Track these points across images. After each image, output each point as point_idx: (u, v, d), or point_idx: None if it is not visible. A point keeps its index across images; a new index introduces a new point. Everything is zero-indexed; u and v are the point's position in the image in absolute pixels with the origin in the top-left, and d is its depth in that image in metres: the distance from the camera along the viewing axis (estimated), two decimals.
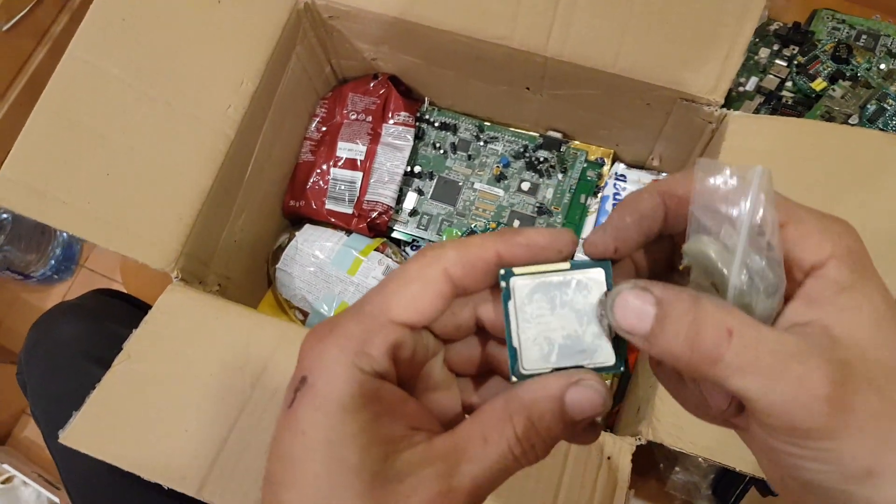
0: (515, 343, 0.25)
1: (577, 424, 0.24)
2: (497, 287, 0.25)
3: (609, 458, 0.52)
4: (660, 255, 0.27)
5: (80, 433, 0.52)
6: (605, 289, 0.24)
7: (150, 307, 0.56)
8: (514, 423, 0.23)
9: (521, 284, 0.24)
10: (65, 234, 1.19)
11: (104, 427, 0.52)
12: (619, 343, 0.25)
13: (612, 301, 0.23)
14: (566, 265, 0.25)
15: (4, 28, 1.05)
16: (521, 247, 0.24)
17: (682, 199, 0.23)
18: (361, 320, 0.24)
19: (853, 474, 0.20)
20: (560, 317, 0.25)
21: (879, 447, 0.20)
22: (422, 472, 0.22)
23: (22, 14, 1.07)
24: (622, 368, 0.25)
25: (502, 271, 0.24)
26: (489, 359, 0.28)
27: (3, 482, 1.05)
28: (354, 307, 0.25)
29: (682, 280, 0.25)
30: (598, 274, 0.24)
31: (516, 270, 0.24)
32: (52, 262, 1.20)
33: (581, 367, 0.25)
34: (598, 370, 0.25)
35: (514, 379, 0.25)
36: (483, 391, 0.28)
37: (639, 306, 0.22)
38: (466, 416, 0.27)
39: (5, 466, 1.05)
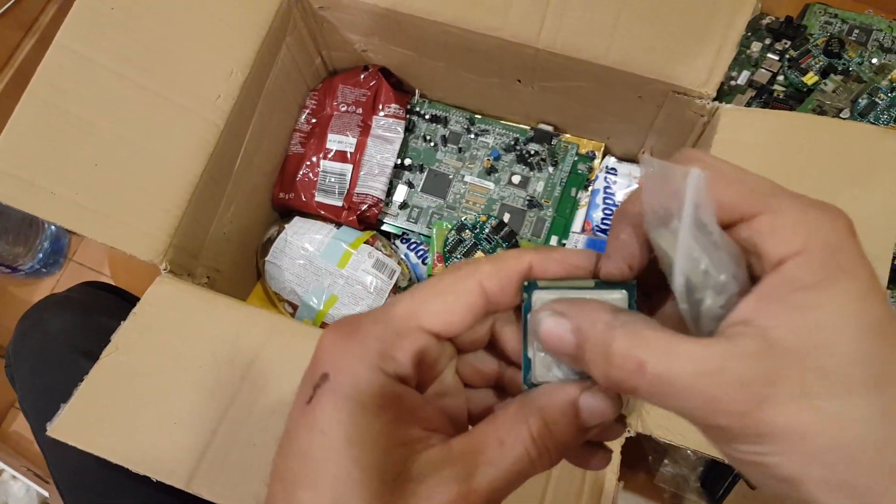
0: (531, 354, 0.25)
1: (589, 431, 0.24)
2: (519, 306, 0.25)
3: None
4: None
5: (68, 426, 0.52)
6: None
7: (138, 300, 0.56)
8: (529, 426, 0.23)
9: (543, 298, 0.25)
10: (53, 227, 1.18)
11: (92, 420, 0.52)
12: None
13: (535, 325, 0.24)
14: (591, 283, 0.25)
15: None
16: (554, 262, 0.25)
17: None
18: (390, 323, 0.24)
19: (782, 479, 0.20)
20: None
21: (802, 458, 0.19)
22: (440, 473, 0.23)
23: (9, 5, 1.06)
24: None
25: (526, 283, 0.25)
26: (498, 375, 0.28)
27: None
28: (382, 309, 0.25)
29: None
30: (621, 296, 0.24)
31: (540, 283, 0.25)
32: (40, 255, 1.19)
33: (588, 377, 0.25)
34: None
35: (525, 387, 0.25)
36: (488, 402, 0.29)
37: (558, 332, 0.23)
38: (470, 426, 0.28)
39: None
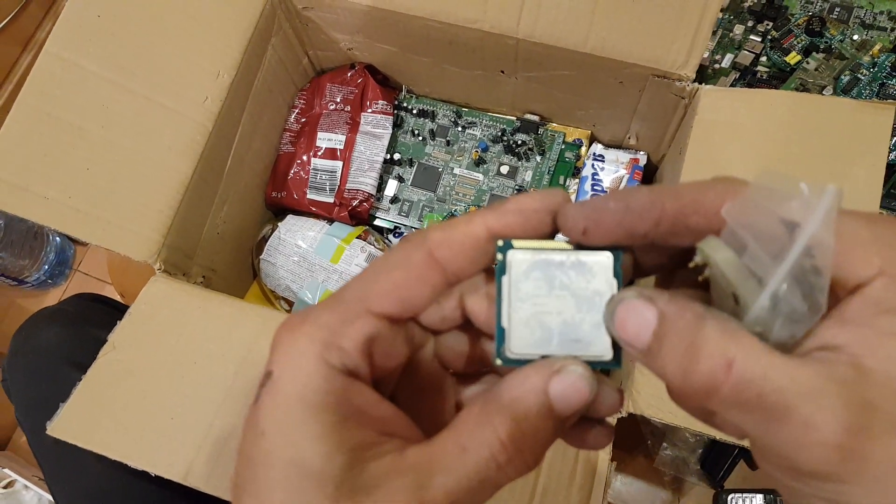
0: (505, 323, 0.22)
1: (567, 420, 0.22)
2: (490, 272, 0.23)
3: None
4: (664, 259, 0.24)
5: (67, 425, 0.53)
6: (611, 275, 0.22)
7: None
8: (495, 427, 0.21)
9: (520, 259, 0.22)
10: (58, 239, 1.20)
11: (91, 417, 0.53)
12: None
13: (613, 307, 0.21)
14: (570, 246, 0.22)
15: None
16: (511, 214, 0.22)
17: (685, 205, 0.21)
18: (336, 310, 0.22)
19: None
20: (558, 300, 0.22)
21: (886, 493, 0.17)
22: (390, 484, 0.20)
23: (6, 21, 1.08)
24: (619, 364, 0.22)
25: (500, 242, 0.22)
26: (482, 354, 0.25)
27: (5, 487, 1.06)
28: (333, 296, 0.22)
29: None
30: (606, 258, 0.22)
31: (516, 244, 0.22)
32: (46, 266, 1.20)
33: (574, 357, 0.22)
34: (593, 364, 0.22)
35: (498, 362, 0.22)
36: (476, 390, 0.26)
37: (640, 318, 0.20)
38: None
39: (6, 471, 1.05)
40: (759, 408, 0.18)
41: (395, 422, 0.23)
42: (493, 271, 0.23)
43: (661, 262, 0.23)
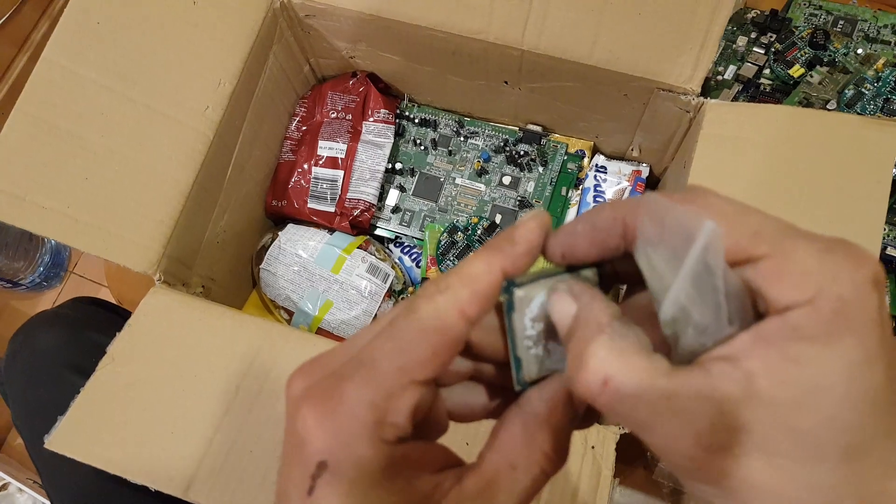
0: (520, 354, 0.24)
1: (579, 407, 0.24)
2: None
3: (593, 447, 0.52)
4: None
5: (65, 438, 0.52)
6: (597, 290, 0.24)
7: (129, 314, 0.56)
8: (540, 444, 0.23)
9: (523, 296, 0.24)
10: (53, 241, 1.19)
11: (89, 431, 0.52)
12: None
13: (551, 293, 0.24)
14: (562, 268, 0.25)
15: None
16: (522, 257, 0.23)
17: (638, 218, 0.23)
18: (378, 384, 0.21)
19: None
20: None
21: None
22: None
23: (2, 21, 1.07)
24: None
25: (505, 283, 0.24)
26: (478, 371, 0.27)
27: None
28: (364, 365, 0.22)
29: None
30: (592, 274, 0.25)
31: (517, 280, 0.24)
32: (41, 268, 1.19)
33: None
34: None
35: (518, 388, 0.25)
36: (459, 391, 0.27)
37: (563, 309, 0.23)
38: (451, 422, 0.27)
39: (0, 474, 1.04)
40: (629, 420, 0.20)
41: (436, 454, 0.24)
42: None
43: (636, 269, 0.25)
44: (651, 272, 0.21)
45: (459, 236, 0.72)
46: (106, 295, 1.15)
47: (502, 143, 0.75)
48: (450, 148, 0.76)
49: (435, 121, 0.76)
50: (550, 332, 0.24)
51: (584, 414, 0.25)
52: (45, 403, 0.61)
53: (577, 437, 0.52)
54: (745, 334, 0.19)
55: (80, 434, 0.52)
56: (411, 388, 0.22)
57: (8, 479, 1.04)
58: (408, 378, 0.21)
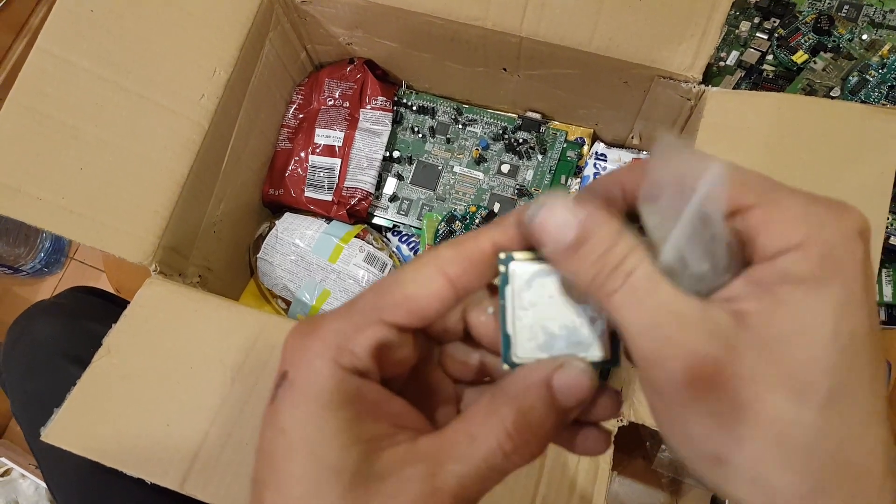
0: (510, 330, 0.24)
1: (569, 412, 0.23)
2: (492, 288, 0.25)
3: None
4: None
5: (61, 430, 0.52)
6: None
7: (127, 303, 0.56)
8: (503, 417, 0.22)
9: (521, 270, 0.24)
10: None
11: (86, 423, 0.52)
12: (616, 338, 0.24)
13: (538, 208, 0.22)
14: None
15: None
16: (513, 227, 0.23)
17: (637, 184, 0.23)
18: (349, 317, 0.23)
19: (702, 455, 0.20)
20: (558, 306, 0.24)
21: (727, 439, 0.20)
22: (404, 472, 0.22)
23: None
24: (618, 363, 0.24)
25: (502, 255, 0.24)
26: (483, 366, 0.27)
27: (2, 475, 1.06)
28: (346, 305, 0.24)
29: None
30: None
31: (517, 255, 0.24)
32: (42, 254, 1.20)
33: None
34: (594, 364, 0.24)
35: (505, 367, 0.24)
36: (474, 395, 0.28)
37: (561, 222, 0.22)
38: None
39: (3, 460, 1.05)
40: (637, 314, 0.20)
41: (407, 416, 0.24)
42: (495, 286, 0.24)
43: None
44: (652, 222, 0.22)
45: (457, 225, 0.71)
46: (105, 281, 1.15)
47: (501, 131, 0.74)
48: (448, 136, 0.75)
49: (433, 108, 0.76)
50: (550, 314, 0.24)
51: (571, 420, 0.24)
52: (42, 394, 0.61)
53: None
54: (737, 280, 0.21)
55: (76, 427, 0.52)
56: (378, 325, 0.23)
57: (10, 464, 1.05)
58: (376, 315, 0.23)
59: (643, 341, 0.20)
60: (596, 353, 0.24)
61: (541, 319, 0.24)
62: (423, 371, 0.27)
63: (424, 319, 0.23)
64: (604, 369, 0.24)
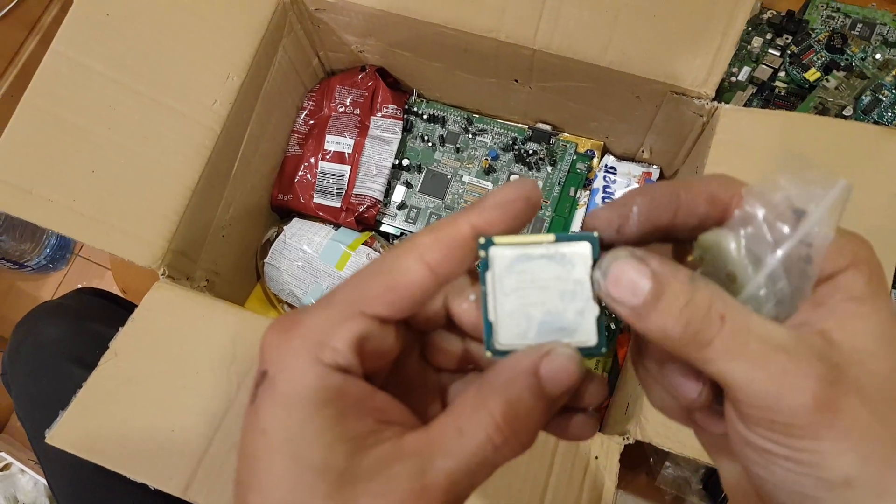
0: (492, 316, 0.23)
1: (558, 400, 0.23)
2: (475, 274, 0.24)
3: (597, 457, 0.52)
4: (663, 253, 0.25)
5: (66, 433, 0.52)
6: (590, 264, 0.23)
7: (134, 306, 0.56)
8: (491, 409, 0.22)
9: (502, 255, 0.23)
10: None
11: (90, 427, 0.52)
12: (601, 323, 0.23)
13: (606, 267, 0.22)
14: (551, 237, 0.23)
15: None
16: (492, 210, 0.22)
17: (696, 196, 0.23)
18: (327, 311, 0.22)
19: (829, 481, 0.20)
20: (541, 291, 0.23)
21: (862, 458, 0.20)
22: (392, 469, 0.21)
23: (12, 5, 1.06)
24: (604, 350, 0.23)
25: (482, 240, 0.23)
26: (468, 353, 0.26)
27: (1, 470, 1.06)
28: (324, 298, 0.23)
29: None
30: (584, 248, 0.23)
31: (497, 240, 0.23)
32: (47, 251, 1.20)
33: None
34: (579, 350, 0.23)
35: (488, 354, 0.23)
36: (460, 387, 0.27)
37: (634, 277, 0.21)
38: None
39: (2, 455, 1.05)
40: (745, 356, 0.20)
41: (392, 411, 0.23)
42: (478, 272, 0.23)
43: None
44: (735, 248, 0.21)
45: None
46: (110, 279, 1.15)
47: (511, 142, 0.74)
48: (458, 145, 0.75)
49: (443, 117, 0.76)
50: (533, 299, 0.23)
51: (561, 406, 0.24)
52: (47, 395, 0.61)
53: (581, 447, 0.51)
54: (807, 302, 0.21)
55: (80, 430, 0.52)
56: (358, 318, 0.22)
57: (10, 459, 1.05)
58: (356, 308, 0.22)
59: (760, 382, 0.20)
60: (582, 338, 0.23)
61: (524, 305, 0.23)
62: (405, 363, 0.26)
63: (406, 310, 0.22)
64: (590, 355, 0.24)
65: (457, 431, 0.22)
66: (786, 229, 0.21)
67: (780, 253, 0.21)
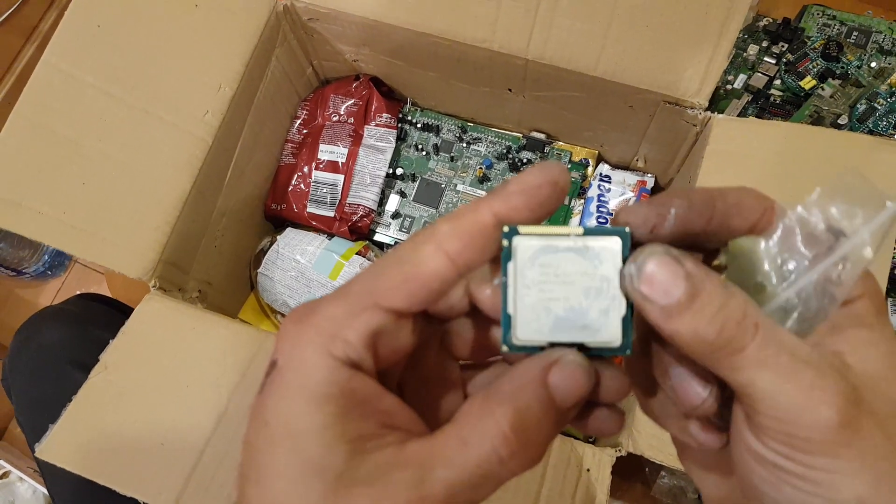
0: (511, 309, 0.22)
1: (569, 412, 0.22)
2: (498, 260, 0.22)
3: (588, 470, 0.51)
4: None
5: (56, 447, 0.52)
6: (619, 260, 0.22)
7: (133, 310, 0.56)
8: (497, 419, 0.21)
9: (525, 245, 0.22)
10: None
11: (80, 440, 0.52)
12: (627, 323, 0.22)
13: (642, 262, 0.21)
14: (579, 230, 0.22)
15: None
16: (516, 195, 0.21)
17: (730, 207, 0.22)
18: (343, 303, 0.21)
19: (841, 502, 0.20)
20: (565, 286, 0.22)
21: (875, 480, 0.19)
22: (390, 476, 0.20)
23: (10, 12, 1.06)
24: (628, 351, 0.22)
25: (506, 228, 0.21)
26: (493, 342, 0.25)
27: (0, 477, 1.06)
28: (342, 288, 0.22)
29: None
30: (614, 243, 0.22)
31: (522, 229, 0.22)
32: (46, 257, 1.20)
33: (581, 344, 0.22)
34: (601, 350, 0.22)
35: (504, 349, 0.22)
36: (485, 379, 0.26)
37: (669, 276, 0.20)
38: None
39: (1, 462, 1.05)
40: (775, 367, 0.20)
41: (399, 414, 0.22)
42: (501, 259, 0.22)
43: None
44: (770, 260, 0.21)
45: None
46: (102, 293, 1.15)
47: (505, 150, 0.74)
48: (452, 154, 0.75)
49: (437, 126, 0.75)
50: (555, 294, 0.22)
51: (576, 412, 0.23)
52: (47, 399, 0.61)
53: (572, 459, 0.51)
54: (824, 325, 0.21)
55: (70, 443, 0.52)
56: (373, 311, 0.21)
57: (9, 467, 1.05)
58: (371, 300, 0.21)
59: (787, 394, 0.20)
60: (604, 338, 0.22)
61: (545, 300, 0.22)
62: (424, 354, 0.25)
63: (424, 302, 0.21)
64: (611, 356, 0.23)
65: (460, 441, 0.21)
66: (823, 248, 0.20)
67: (816, 271, 0.21)
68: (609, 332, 0.22)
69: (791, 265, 0.21)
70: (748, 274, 0.22)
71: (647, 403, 0.25)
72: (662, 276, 0.20)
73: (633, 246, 0.22)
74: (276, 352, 0.22)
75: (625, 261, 0.22)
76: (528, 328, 0.22)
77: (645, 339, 0.24)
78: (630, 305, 0.22)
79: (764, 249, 0.21)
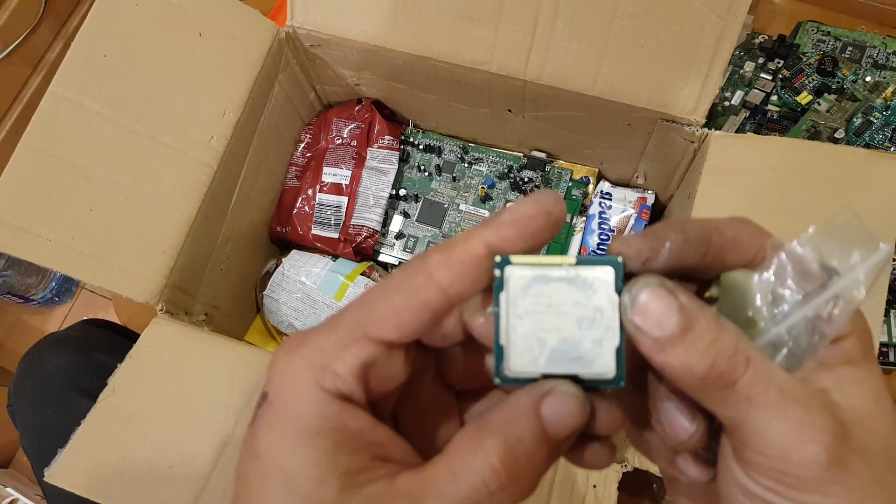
0: (503, 340, 0.22)
1: (562, 444, 0.22)
2: (492, 289, 0.22)
3: (595, 486, 0.51)
4: None
5: (65, 471, 0.52)
6: (612, 290, 0.22)
7: (137, 336, 0.57)
8: (487, 451, 0.20)
9: (518, 275, 0.22)
10: None
11: (88, 464, 0.52)
12: (621, 355, 0.22)
13: (636, 293, 0.21)
14: (572, 259, 0.22)
15: (0, 56, 1.06)
16: (508, 226, 0.21)
17: (726, 242, 0.22)
18: (333, 333, 0.21)
19: None
20: (558, 316, 0.22)
21: None
22: None
23: (17, 42, 1.08)
24: (622, 383, 0.22)
25: (498, 258, 0.21)
26: (485, 368, 0.25)
27: None
28: (332, 318, 0.22)
29: None
30: (607, 273, 0.22)
31: (514, 259, 0.21)
32: (53, 284, 1.20)
33: (575, 376, 0.22)
34: (595, 382, 0.22)
35: (497, 381, 0.22)
36: (481, 408, 0.26)
37: (663, 308, 0.20)
38: None
39: (9, 490, 1.05)
40: (765, 403, 0.20)
41: (391, 446, 0.22)
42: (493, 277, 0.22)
43: None
44: (763, 295, 0.22)
45: None
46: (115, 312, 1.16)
47: (507, 170, 0.75)
48: (454, 174, 0.76)
49: (439, 147, 0.76)
50: (548, 325, 0.22)
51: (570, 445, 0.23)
52: (52, 426, 0.61)
53: (579, 475, 0.51)
54: (811, 361, 0.22)
55: (79, 468, 0.52)
56: (363, 342, 0.21)
57: (17, 495, 1.05)
58: (362, 331, 0.21)
59: (777, 431, 0.20)
60: (598, 369, 0.22)
61: (538, 330, 0.22)
62: (420, 383, 0.25)
63: (415, 332, 0.21)
64: (606, 388, 0.22)
65: (451, 473, 0.21)
66: (815, 285, 0.21)
67: (807, 308, 0.21)
68: (603, 364, 0.22)
69: (783, 301, 0.21)
70: (740, 307, 0.22)
71: (636, 436, 0.25)
72: (656, 307, 0.20)
73: (626, 276, 0.22)
74: (266, 383, 0.22)
75: (618, 291, 0.22)
76: (520, 360, 0.22)
77: (634, 371, 0.24)
78: (623, 336, 0.22)
79: (756, 284, 0.21)
